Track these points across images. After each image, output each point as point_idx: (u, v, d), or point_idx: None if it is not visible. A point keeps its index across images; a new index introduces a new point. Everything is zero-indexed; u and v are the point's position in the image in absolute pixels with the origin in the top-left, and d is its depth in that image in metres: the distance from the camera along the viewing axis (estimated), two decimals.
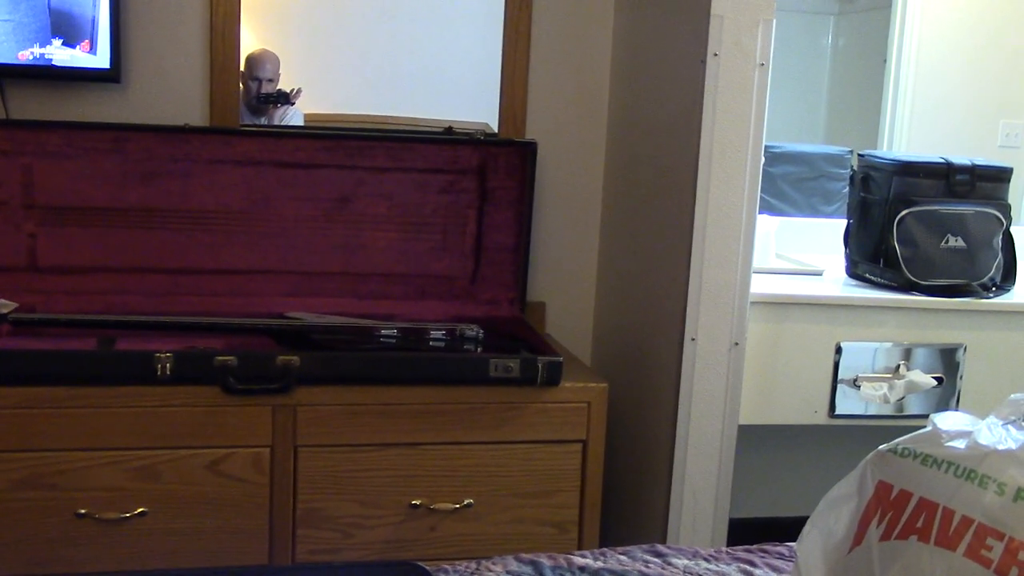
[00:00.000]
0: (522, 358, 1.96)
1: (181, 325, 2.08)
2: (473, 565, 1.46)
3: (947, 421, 1.12)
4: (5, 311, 2.03)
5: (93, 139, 2.15)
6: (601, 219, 2.56)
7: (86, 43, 2.17)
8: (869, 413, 2.21)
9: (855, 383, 2.19)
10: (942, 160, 2.29)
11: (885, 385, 2.18)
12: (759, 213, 2.03)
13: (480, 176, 2.34)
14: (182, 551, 1.87)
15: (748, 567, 1.50)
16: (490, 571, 1.44)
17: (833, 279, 2.38)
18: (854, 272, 2.36)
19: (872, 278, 2.31)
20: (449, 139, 2.34)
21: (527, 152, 2.33)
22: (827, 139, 3.08)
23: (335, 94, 2.47)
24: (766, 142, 2.00)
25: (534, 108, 2.47)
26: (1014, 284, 2.35)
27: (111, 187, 2.18)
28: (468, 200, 2.35)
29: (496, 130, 2.44)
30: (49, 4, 2.14)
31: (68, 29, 2.16)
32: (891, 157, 2.33)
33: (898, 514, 1.08)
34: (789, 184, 2.82)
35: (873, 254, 2.30)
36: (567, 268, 2.56)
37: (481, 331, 2.05)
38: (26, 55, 2.15)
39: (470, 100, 2.49)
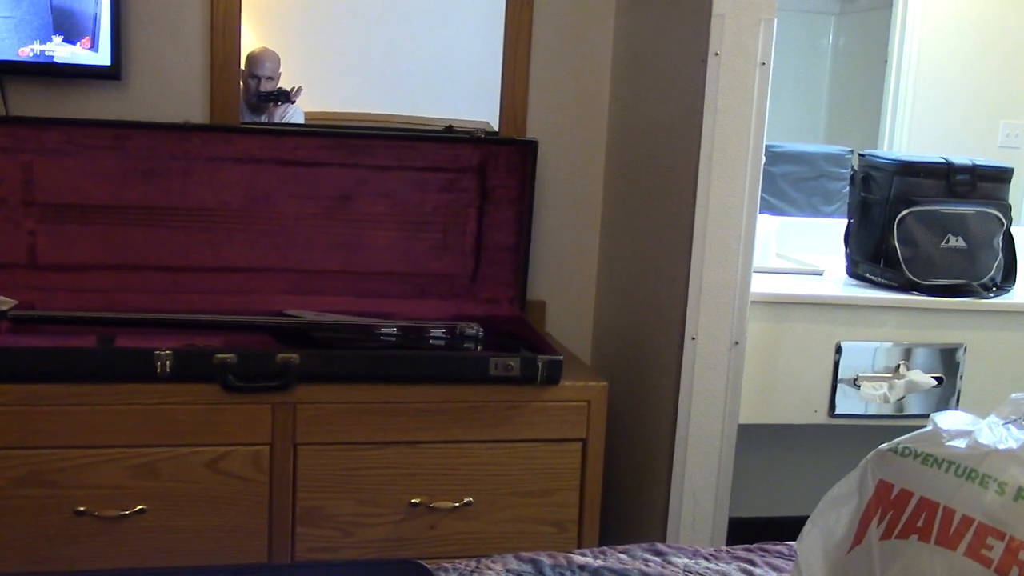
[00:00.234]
0: (522, 357, 1.96)
1: (181, 323, 2.08)
2: (473, 563, 1.46)
3: (947, 420, 1.12)
4: (5, 308, 2.03)
5: (93, 136, 2.15)
6: (601, 218, 2.56)
7: (87, 40, 2.17)
8: (869, 413, 2.21)
9: (855, 383, 2.19)
10: (942, 160, 2.29)
11: (885, 385, 2.18)
12: (759, 213, 2.03)
13: (480, 175, 2.34)
14: (181, 549, 1.87)
15: (748, 566, 1.50)
16: (490, 569, 1.44)
17: (833, 279, 2.38)
18: (854, 272, 2.36)
19: (872, 278, 2.31)
20: (450, 138, 2.34)
21: (527, 151, 2.33)
22: (828, 139, 3.08)
23: (336, 92, 2.47)
24: (767, 142, 2.00)
25: (535, 107, 2.47)
26: (1014, 284, 2.35)
27: (111, 184, 2.18)
28: (468, 199, 2.35)
29: (497, 129, 2.44)
30: (51, 1, 2.14)
31: (69, 26, 2.16)
32: (892, 157, 2.33)
33: (898, 513, 1.08)
34: (790, 184, 2.82)
35: (873, 254, 2.30)
36: (567, 267, 2.56)
37: (481, 330, 2.05)
38: (27, 52, 2.15)
39: (471, 99, 2.49)
